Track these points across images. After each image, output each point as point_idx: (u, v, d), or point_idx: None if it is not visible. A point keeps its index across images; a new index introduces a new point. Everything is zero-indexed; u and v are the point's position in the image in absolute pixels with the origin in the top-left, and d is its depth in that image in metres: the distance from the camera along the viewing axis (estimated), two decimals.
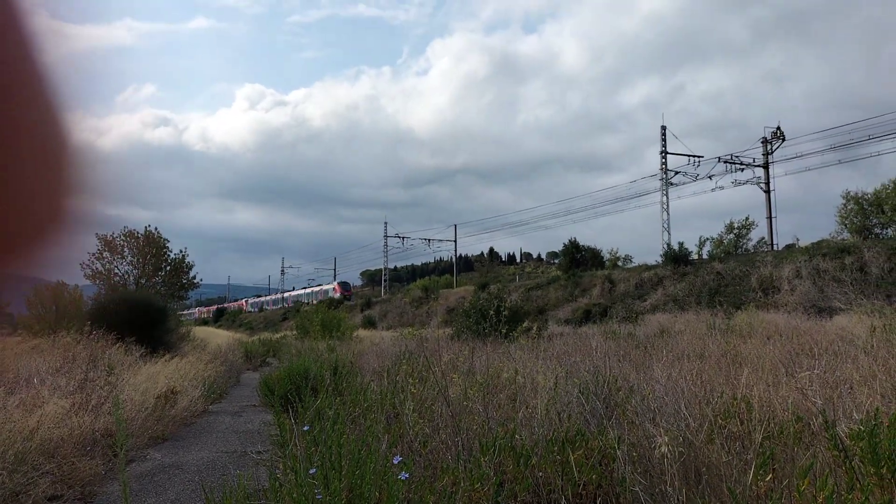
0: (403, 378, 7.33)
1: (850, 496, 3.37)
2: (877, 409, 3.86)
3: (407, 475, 3.30)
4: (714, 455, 4.81)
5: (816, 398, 5.99)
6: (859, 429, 3.68)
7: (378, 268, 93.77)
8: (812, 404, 6.05)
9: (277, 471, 4.61)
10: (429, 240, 75.26)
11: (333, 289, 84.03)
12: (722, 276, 33.68)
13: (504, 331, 18.18)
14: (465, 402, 5.35)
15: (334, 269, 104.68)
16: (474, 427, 4.79)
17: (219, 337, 38.34)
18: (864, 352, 10.95)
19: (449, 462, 4.15)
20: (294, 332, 36.41)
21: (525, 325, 22.10)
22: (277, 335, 41.45)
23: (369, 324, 50.46)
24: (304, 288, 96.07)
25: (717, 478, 4.54)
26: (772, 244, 40.29)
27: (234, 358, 20.87)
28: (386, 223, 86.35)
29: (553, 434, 4.41)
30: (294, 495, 3.51)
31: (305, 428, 4.89)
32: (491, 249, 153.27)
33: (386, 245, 77.86)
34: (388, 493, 3.22)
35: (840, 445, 3.73)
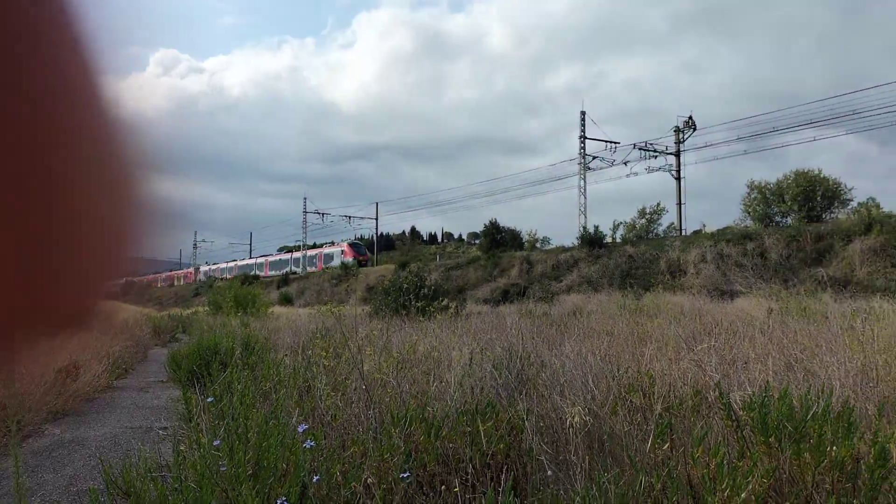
0: (317, 353, 7.27)
1: (740, 463, 3.57)
2: (767, 383, 4.10)
3: (312, 443, 3.28)
4: (617, 425, 5.00)
5: (714, 373, 6.30)
6: (751, 401, 3.90)
7: (296, 243, 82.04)
8: (710, 379, 6.36)
9: (182, 445, 4.50)
10: (349, 217, 74.39)
11: (342, 252, 66.60)
12: (633, 259, 34.82)
13: (423, 308, 18.27)
14: (378, 376, 5.36)
15: (250, 245, 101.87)
16: (386, 400, 4.81)
17: (125, 312, 36.91)
18: (761, 332, 11.57)
19: (360, 434, 4.16)
20: (206, 308, 35.51)
21: (444, 303, 22.27)
22: (188, 311, 40.33)
23: (286, 301, 49.70)
24: (291, 252, 79.07)
25: (620, 447, 4.71)
26: (680, 229, 41.90)
27: (140, 333, 20.17)
28: (305, 199, 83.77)
29: (464, 406, 4.47)
30: (198, 468, 3.44)
31: (210, 399, 4.79)
32: (413, 228, 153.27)
33: (305, 221, 76.51)
34: (295, 463, 3.20)
35: (733, 416, 3.94)
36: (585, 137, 45.41)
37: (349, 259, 64.48)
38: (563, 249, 40.72)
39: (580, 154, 45.58)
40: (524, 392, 6.21)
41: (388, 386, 5.21)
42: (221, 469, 3.46)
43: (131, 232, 0.59)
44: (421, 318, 16.30)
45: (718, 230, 34.09)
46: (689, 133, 42.02)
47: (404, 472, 3.38)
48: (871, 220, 27.82)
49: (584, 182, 45.37)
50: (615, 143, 44.85)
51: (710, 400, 5.68)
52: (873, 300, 20.20)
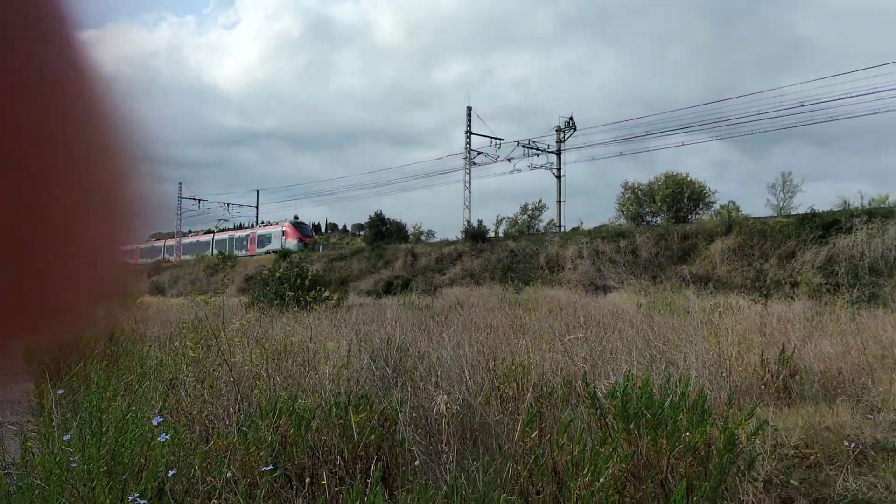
0: (184, 345, 6.97)
1: (602, 449, 3.71)
2: (627, 372, 4.30)
3: (167, 436, 3.13)
4: (491, 415, 5.09)
5: (583, 364, 6.55)
6: (614, 390, 4.07)
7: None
8: (580, 369, 6.59)
9: (31, 441, 4.18)
10: (228, 204, 71.72)
11: (283, 233, 56.87)
12: (515, 253, 35.70)
13: (303, 300, 17.94)
14: (248, 368, 5.20)
15: None
16: (256, 392, 4.67)
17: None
18: (630, 325, 12.16)
19: (225, 428, 4.01)
20: None
21: (325, 294, 21.96)
22: None
23: (157, 291, 47.42)
24: (226, 231, 66.76)
25: (491, 436, 4.80)
26: (560, 226, 43.37)
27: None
28: (181, 184, 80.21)
29: (335, 398, 4.41)
30: (47, 464, 3.20)
31: (60, 391, 4.48)
32: (295, 217, 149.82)
33: (180, 207, 73.15)
34: (154, 459, 3.03)
35: (597, 404, 4.10)
36: (471, 133, 46.08)
37: (292, 241, 55.05)
38: (448, 243, 41.19)
39: (466, 149, 46.21)
40: (401, 383, 6.21)
41: (259, 378, 5.06)
42: (73, 465, 3.24)
43: (120, 225, 0.56)
44: (300, 310, 16.01)
45: (595, 228, 35.56)
46: (570, 133, 43.54)
47: (270, 466, 3.28)
48: (732, 222, 29.85)
49: (470, 177, 46.06)
50: (500, 139, 45.82)
51: (579, 390, 5.89)
52: (731, 296, 21.69)
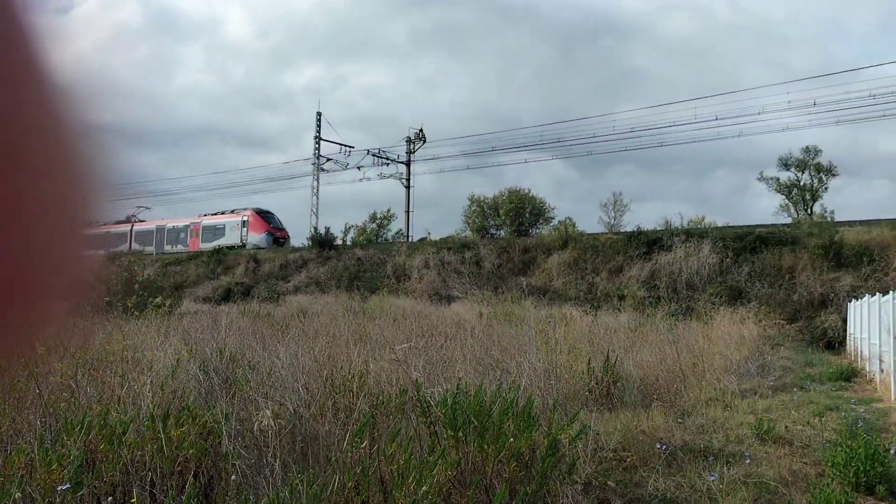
0: None
1: (431, 457, 3.74)
2: (459, 381, 4.38)
3: None
4: (325, 426, 4.99)
5: (419, 373, 6.60)
6: (444, 398, 4.13)
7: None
8: (418, 378, 6.63)
9: None
10: None
11: (243, 223, 44.73)
12: (362, 261, 35.58)
13: (130, 306, 16.80)
14: (56, 379, 4.77)
15: None
16: (62, 405, 4.29)
17: None
18: (471, 334, 12.45)
19: (24, 444, 3.64)
20: None
21: (157, 300, 20.71)
22: None
23: None
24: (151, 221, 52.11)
25: (326, 447, 4.71)
26: (408, 236, 43.81)
27: None
28: None
29: (153, 410, 4.14)
30: None
31: None
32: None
33: None
34: None
35: (427, 413, 4.14)
36: (320, 139, 45.54)
37: (258, 236, 43.66)
38: (293, 249, 40.32)
39: (314, 155, 45.56)
40: (231, 395, 5.96)
41: (68, 390, 4.66)
42: None
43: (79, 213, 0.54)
44: (127, 317, 14.98)
45: (442, 238, 36.23)
46: (420, 144, 44.21)
47: (68, 484, 3.01)
48: (568, 237, 31.50)
49: (318, 183, 45.44)
50: (350, 147, 45.60)
51: (415, 399, 5.91)
52: (565, 307, 22.85)
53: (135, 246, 47.60)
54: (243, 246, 42.98)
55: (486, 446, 3.79)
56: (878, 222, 25.17)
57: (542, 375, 7.62)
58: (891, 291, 12.09)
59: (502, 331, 13.20)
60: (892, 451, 6.84)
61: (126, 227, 48.50)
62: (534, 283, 30.18)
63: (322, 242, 38.58)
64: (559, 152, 47.08)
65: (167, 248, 47.60)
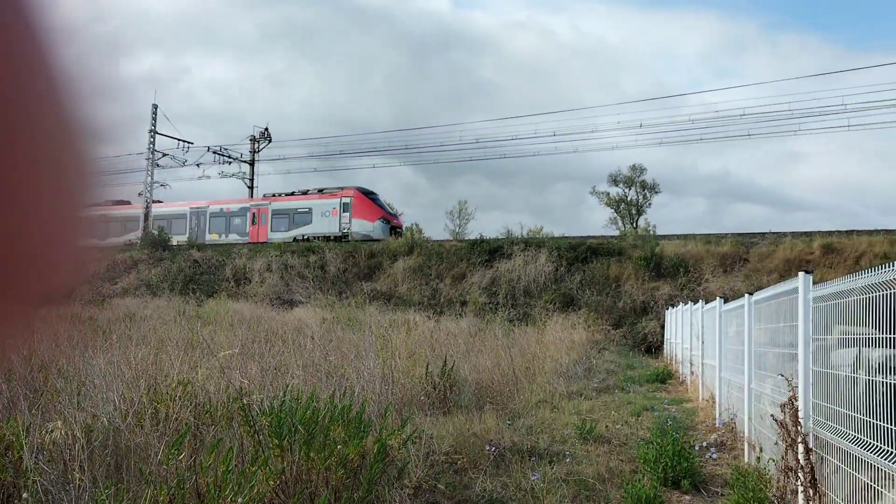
0: None
1: (253, 467, 3.62)
2: (287, 388, 4.28)
3: None
4: (140, 437, 4.70)
5: (248, 380, 6.40)
6: (269, 406, 4.02)
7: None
8: (239, 385, 6.41)
9: None
10: None
11: (344, 206, 35.70)
12: (199, 263, 34.00)
13: None
14: None
15: None
16: None
17: None
18: (311, 340, 12.24)
19: None
20: None
21: None
22: None
23: None
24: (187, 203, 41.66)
25: (143, 459, 4.43)
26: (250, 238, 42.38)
27: None
28: None
29: None
30: None
31: None
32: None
33: None
34: None
35: (252, 421, 4.01)
36: (156, 132, 43.03)
37: (368, 224, 35.23)
38: (121, 249, 37.69)
39: (149, 150, 43.01)
40: (38, 405, 5.47)
41: None
42: None
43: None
44: None
45: (285, 242, 35.34)
46: (265, 144, 42.99)
47: None
48: (414, 243, 31.87)
49: (152, 179, 42.87)
50: (189, 142, 43.43)
51: (248, 407, 5.71)
52: (409, 312, 23.08)
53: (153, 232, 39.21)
54: (344, 237, 35.01)
55: (312, 454, 3.73)
56: (693, 237, 27.57)
57: (379, 381, 7.64)
58: (700, 301, 13.27)
59: (343, 336, 13.11)
60: (696, 448, 7.49)
61: (136, 210, 39.81)
62: (379, 288, 30.24)
63: (155, 243, 36.44)
64: (408, 159, 47.71)
65: (211, 236, 38.52)
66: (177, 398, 5.38)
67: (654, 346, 22.99)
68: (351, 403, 5.14)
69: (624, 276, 26.25)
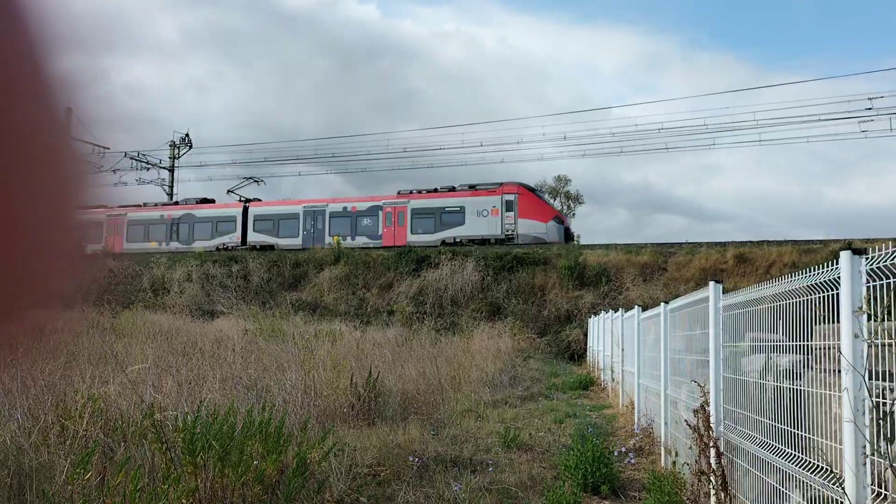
0: None
1: (164, 486, 3.49)
2: (202, 402, 4.14)
3: None
4: (46, 456, 4.47)
5: (162, 395, 6.18)
6: (183, 421, 3.89)
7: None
8: (152, 400, 6.18)
9: None
10: None
11: (507, 203, 31.67)
12: (115, 273, 32.72)
13: None
14: None
15: None
16: None
17: None
18: (233, 351, 11.93)
19: None
20: None
21: None
22: None
23: None
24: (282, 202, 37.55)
25: (47, 480, 4.21)
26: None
27: None
28: None
29: None
30: None
31: None
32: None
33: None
34: None
35: (164, 437, 3.87)
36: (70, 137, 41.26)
37: (542, 225, 31.09)
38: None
39: None
40: None
41: None
42: None
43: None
44: None
45: (206, 251, 34.40)
46: (186, 150, 41.86)
47: None
48: (340, 253, 31.53)
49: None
50: (105, 147, 41.58)
51: (157, 423, 5.51)
52: (335, 322, 22.83)
53: (256, 237, 35.01)
54: (508, 239, 31.04)
55: (227, 470, 3.62)
56: (615, 246, 28.31)
57: (301, 393, 7.51)
58: (621, 309, 13.62)
59: (266, 347, 12.84)
60: (616, 454, 7.66)
61: (234, 210, 35.83)
62: (305, 298, 29.80)
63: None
64: (335, 167, 47.30)
65: (329, 240, 33.71)
66: (85, 415, 5.14)
67: (577, 354, 23.44)
68: (271, 417, 5.02)
69: (549, 285, 26.71)
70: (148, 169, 41.54)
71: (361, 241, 33.45)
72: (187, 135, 41.92)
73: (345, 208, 34.56)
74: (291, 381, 7.94)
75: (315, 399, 7.60)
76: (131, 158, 40.95)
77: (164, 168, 41.86)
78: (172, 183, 41.96)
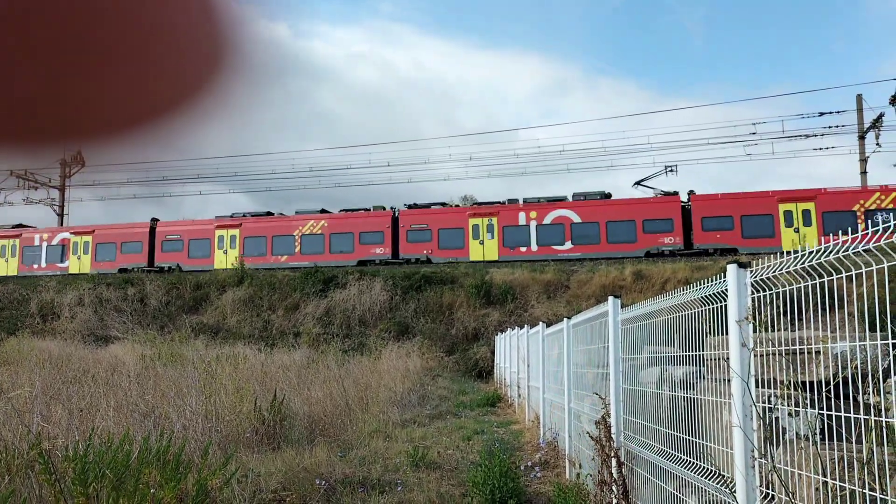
0: None
1: None
2: (93, 430, 3.93)
3: None
4: None
5: (58, 424, 5.83)
6: (74, 450, 3.68)
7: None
8: (55, 432, 5.84)
9: None
10: None
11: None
12: None
13: None
14: None
15: None
16: None
17: None
18: (128, 378, 11.39)
19: None
20: None
21: None
22: None
23: None
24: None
25: None
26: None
27: None
28: None
29: None
30: None
31: None
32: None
33: None
34: None
35: (52, 468, 3.65)
36: None
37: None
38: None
39: None
40: None
41: None
42: None
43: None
44: None
45: (98, 273, 32.78)
46: (78, 168, 39.85)
47: None
48: (244, 274, 30.72)
49: None
50: None
51: (45, 454, 5.19)
52: (238, 346, 22.18)
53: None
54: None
55: (122, 500, 3.45)
56: (520, 265, 28.87)
57: (202, 418, 7.24)
58: (526, 326, 13.88)
59: (164, 373, 12.33)
60: (522, 468, 7.77)
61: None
62: (206, 321, 28.83)
63: None
64: (237, 186, 46.21)
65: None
66: None
67: (485, 371, 23.67)
68: (169, 444, 4.82)
69: (457, 303, 26.91)
70: (36, 188, 39.28)
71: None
72: (79, 152, 39.84)
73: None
74: (191, 407, 7.65)
75: (217, 424, 7.34)
76: (18, 177, 38.58)
77: (53, 187, 39.70)
78: (63, 203, 39.81)
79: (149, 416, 7.64)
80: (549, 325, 10.44)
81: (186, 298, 30.20)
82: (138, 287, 30.42)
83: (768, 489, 3.09)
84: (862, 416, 2.58)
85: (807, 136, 31.08)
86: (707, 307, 3.68)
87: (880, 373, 2.71)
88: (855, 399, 2.83)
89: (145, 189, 41.41)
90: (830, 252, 2.64)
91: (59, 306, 29.61)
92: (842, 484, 2.59)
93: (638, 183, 32.07)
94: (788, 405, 3.16)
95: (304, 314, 28.62)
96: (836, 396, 2.94)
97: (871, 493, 2.44)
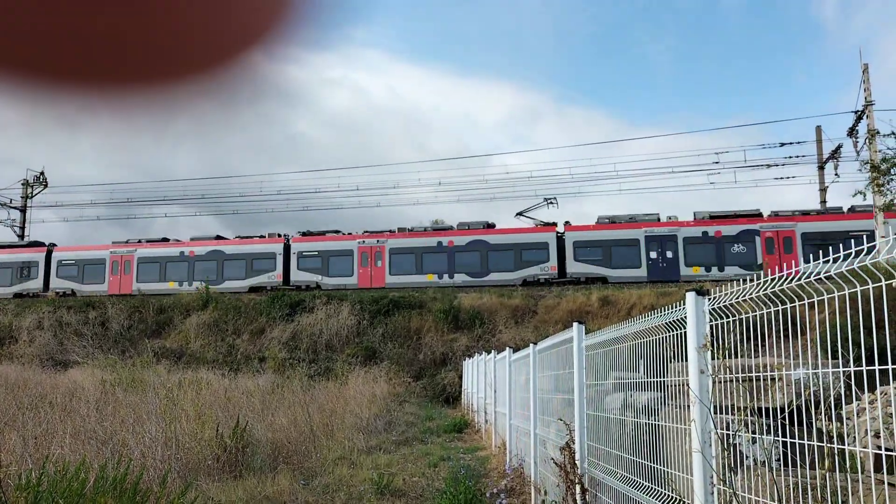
0: None
1: None
2: (47, 458, 3.83)
3: None
4: None
5: (8, 451, 5.66)
6: (27, 478, 3.58)
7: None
8: (4, 457, 5.67)
9: None
10: None
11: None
12: None
13: None
14: None
15: None
16: None
17: None
18: (87, 404, 11.12)
19: None
20: None
21: None
22: None
23: None
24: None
25: None
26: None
27: None
28: None
29: None
30: None
31: None
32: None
33: None
34: None
35: (4, 498, 3.54)
36: None
37: None
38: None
39: None
40: None
41: None
42: None
43: None
44: None
45: (61, 296, 32.10)
46: (40, 189, 39.18)
47: None
48: (209, 297, 30.30)
49: None
50: None
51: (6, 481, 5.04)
52: (202, 370, 21.79)
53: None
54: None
55: None
56: (488, 290, 28.93)
57: (162, 446, 7.09)
58: (493, 351, 13.88)
59: (124, 399, 12.07)
60: (488, 495, 7.73)
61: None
62: (169, 345, 28.33)
63: None
64: (206, 209, 45.76)
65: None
66: None
67: (452, 397, 23.56)
68: (127, 472, 4.71)
69: (425, 328, 26.83)
70: None
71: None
72: (42, 173, 39.29)
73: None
74: (151, 434, 7.49)
75: (177, 452, 7.19)
76: None
77: (14, 208, 38.90)
78: (24, 224, 39.02)
79: (107, 444, 7.46)
80: (515, 350, 10.45)
81: (149, 322, 29.68)
82: (100, 311, 29.82)
83: None
84: (815, 443, 2.63)
85: (768, 165, 31.73)
86: (669, 333, 3.74)
87: (831, 399, 2.77)
88: (810, 425, 2.89)
89: (111, 210, 40.77)
90: (792, 279, 2.70)
91: (18, 330, 28.88)
92: None
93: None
94: (748, 431, 3.20)
95: (270, 338, 28.28)
96: (792, 423, 2.99)
97: None
